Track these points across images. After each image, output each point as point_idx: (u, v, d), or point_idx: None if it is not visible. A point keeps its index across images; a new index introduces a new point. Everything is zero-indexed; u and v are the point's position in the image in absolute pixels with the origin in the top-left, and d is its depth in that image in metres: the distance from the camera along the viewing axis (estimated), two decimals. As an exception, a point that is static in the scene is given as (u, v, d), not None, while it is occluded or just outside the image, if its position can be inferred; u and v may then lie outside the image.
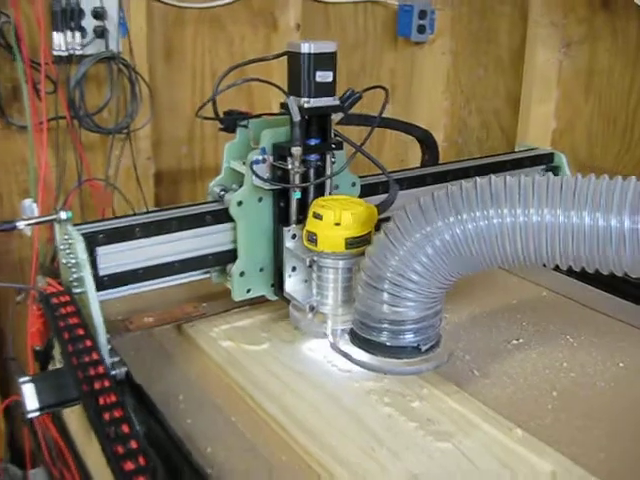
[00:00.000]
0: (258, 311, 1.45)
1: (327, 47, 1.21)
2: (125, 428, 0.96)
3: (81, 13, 1.84)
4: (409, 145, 1.90)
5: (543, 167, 1.77)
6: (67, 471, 1.36)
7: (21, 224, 1.21)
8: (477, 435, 1.08)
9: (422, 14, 2.41)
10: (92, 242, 1.19)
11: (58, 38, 1.81)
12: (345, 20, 2.42)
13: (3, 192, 1.97)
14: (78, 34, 1.83)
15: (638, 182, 0.98)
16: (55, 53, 1.82)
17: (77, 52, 1.84)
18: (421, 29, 2.43)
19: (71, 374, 1.07)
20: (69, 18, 1.81)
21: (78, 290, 1.18)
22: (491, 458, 1.03)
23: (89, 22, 1.86)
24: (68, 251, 1.19)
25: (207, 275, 1.39)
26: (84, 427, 1.28)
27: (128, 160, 2.01)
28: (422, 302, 1.07)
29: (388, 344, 1.11)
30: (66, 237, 1.20)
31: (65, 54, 1.82)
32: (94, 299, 1.15)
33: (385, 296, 1.07)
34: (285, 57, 1.25)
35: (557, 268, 1.61)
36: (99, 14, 1.86)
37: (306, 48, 1.19)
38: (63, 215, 1.19)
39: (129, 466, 0.91)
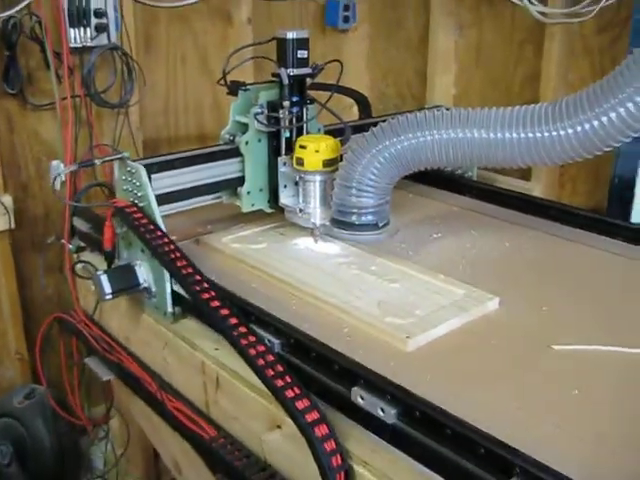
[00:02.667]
0: (252, 227, 1.88)
1: (304, 34, 1.73)
2: (198, 277, 1.45)
3: (88, 13, 2.27)
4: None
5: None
6: (119, 354, 1.78)
7: (98, 162, 1.68)
8: (415, 280, 1.57)
9: (346, 7, 2.91)
10: (149, 170, 1.62)
11: (74, 33, 2.25)
12: (283, 14, 2.86)
13: (20, 162, 2.38)
14: (88, 29, 2.27)
15: (498, 110, 1.52)
16: (71, 45, 2.23)
17: (87, 44, 2.27)
18: (346, 19, 2.93)
19: (152, 250, 1.52)
20: (82, 17, 2.24)
21: (141, 204, 1.62)
22: (424, 289, 1.53)
23: (93, 20, 2.27)
24: (130, 179, 1.63)
25: (217, 200, 1.88)
26: (129, 317, 1.76)
27: (126, 130, 2.46)
28: (377, 194, 1.63)
29: (356, 223, 1.66)
30: (128, 169, 1.63)
31: (79, 46, 2.25)
32: (155, 206, 1.59)
33: (354, 191, 1.63)
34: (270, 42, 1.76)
35: (465, 193, 2.19)
36: (100, 14, 2.27)
37: (290, 35, 1.71)
38: (126, 154, 1.66)
39: (195, 288, 1.42)
